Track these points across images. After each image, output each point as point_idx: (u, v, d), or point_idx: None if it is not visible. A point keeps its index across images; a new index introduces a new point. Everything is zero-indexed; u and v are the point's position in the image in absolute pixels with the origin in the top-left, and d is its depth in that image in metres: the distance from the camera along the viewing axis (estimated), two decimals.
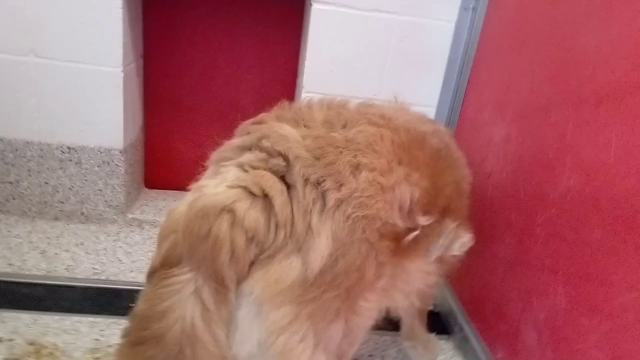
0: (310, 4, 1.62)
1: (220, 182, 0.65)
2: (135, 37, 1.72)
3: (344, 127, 0.72)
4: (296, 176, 0.65)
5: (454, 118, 1.71)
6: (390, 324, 1.35)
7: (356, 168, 0.67)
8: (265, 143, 0.68)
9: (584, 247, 0.95)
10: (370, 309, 0.72)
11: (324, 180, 0.65)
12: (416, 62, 1.72)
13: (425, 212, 0.75)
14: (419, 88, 1.76)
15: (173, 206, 0.67)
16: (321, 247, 0.62)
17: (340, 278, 0.64)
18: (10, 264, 1.50)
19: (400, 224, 0.70)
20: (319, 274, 0.62)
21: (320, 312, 0.64)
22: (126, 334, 0.65)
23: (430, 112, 1.77)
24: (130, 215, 1.82)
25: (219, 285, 0.61)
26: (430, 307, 1.63)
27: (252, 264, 0.63)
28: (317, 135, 0.69)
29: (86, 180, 1.74)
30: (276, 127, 0.70)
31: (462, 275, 1.49)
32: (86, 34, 1.56)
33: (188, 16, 1.83)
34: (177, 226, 0.63)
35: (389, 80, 1.74)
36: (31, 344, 1.22)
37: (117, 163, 1.73)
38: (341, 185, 0.65)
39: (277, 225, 0.63)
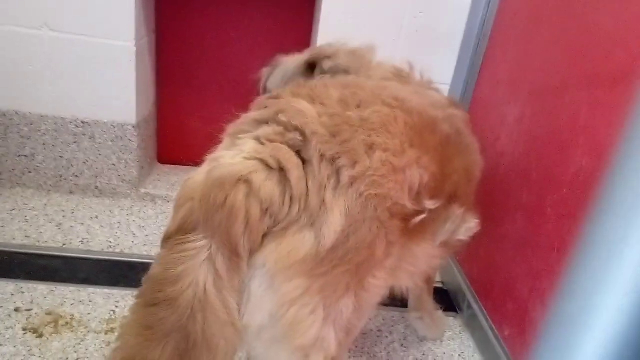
0: None
1: (237, 154, 0.66)
2: (147, 12, 1.72)
3: (359, 106, 0.72)
4: (312, 151, 0.65)
5: (467, 96, 1.69)
6: (397, 300, 1.37)
7: (370, 147, 0.67)
8: (282, 117, 0.69)
9: None
10: (378, 286, 0.73)
11: (339, 157, 0.65)
12: (430, 39, 1.69)
13: (432, 197, 0.76)
14: (433, 65, 1.71)
15: (190, 175, 0.68)
16: (334, 223, 0.63)
17: (351, 254, 0.65)
18: (27, 236, 1.54)
19: (409, 205, 0.71)
20: (331, 249, 0.63)
21: (331, 286, 0.66)
22: (140, 295, 0.67)
23: (444, 90, 1.75)
24: (143, 190, 1.85)
25: (232, 253, 0.62)
26: (439, 285, 1.64)
27: (265, 235, 0.64)
28: (332, 113, 0.69)
29: (100, 154, 1.76)
30: (293, 102, 0.71)
31: (472, 254, 1.50)
32: (99, 8, 1.56)
33: None
34: (194, 194, 0.64)
35: (403, 56, 1.71)
36: (49, 314, 1.26)
37: (130, 138, 1.75)
38: (355, 163, 0.66)
39: (291, 199, 0.63)
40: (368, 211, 0.66)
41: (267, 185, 0.62)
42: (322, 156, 0.65)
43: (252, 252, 0.64)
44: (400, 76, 1.05)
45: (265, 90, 1.25)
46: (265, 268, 0.64)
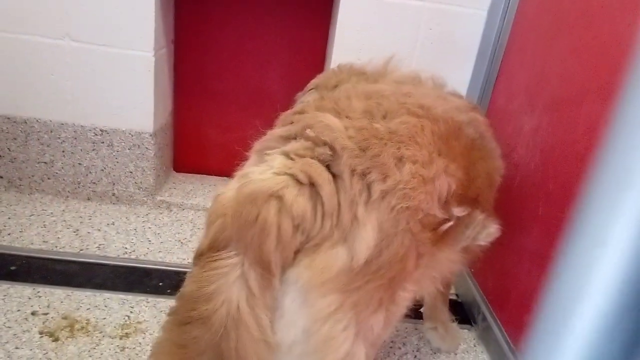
0: None
1: (266, 169, 0.66)
2: (167, 23, 1.75)
3: (384, 117, 0.72)
4: (343, 167, 0.65)
5: (483, 107, 1.69)
6: (411, 311, 1.36)
7: (400, 160, 0.67)
8: (310, 132, 0.68)
9: None
10: (407, 298, 0.73)
11: (369, 172, 0.65)
12: (446, 50, 1.70)
13: (459, 203, 0.75)
14: (449, 76, 1.72)
15: (220, 191, 0.68)
16: (367, 238, 0.63)
17: (385, 268, 0.65)
18: (45, 241, 1.56)
19: (439, 214, 0.71)
20: (364, 264, 0.63)
21: (364, 301, 0.65)
22: (173, 312, 0.67)
23: None
24: (159, 198, 1.87)
25: (265, 270, 0.62)
26: (454, 297, 1.63)
27: (297, 251, 0.64)
28: (360, 127, 0.69)
29: (117, 162, 1.78)
30: (320, 117, 0.71)
31: (487, 265, 1.49)
32: (120, 19, 1.59)
33: (218, 3, 1.85)
34: (225, 210, 0.64)
35: (417, 68, 1.72)
36: (64, 318, 1.27)
37: (147, 146, 1.77)
38: (386, 177, 0.66)
39: (323, 214, 0.63)
40: (400, 224, 0.66)
41: (299, 201, 0.62)
42: (353, 171, 0.65)
43: (284, 269, 0.64)
44: (416, 81, 1.04)
45: None
46: (299, 284, 0.63)
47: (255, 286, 0.62)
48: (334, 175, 0.65)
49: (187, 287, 0.65)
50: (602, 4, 1.09)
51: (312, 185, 0.64)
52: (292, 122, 0.72)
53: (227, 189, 0.67)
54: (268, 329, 0.63)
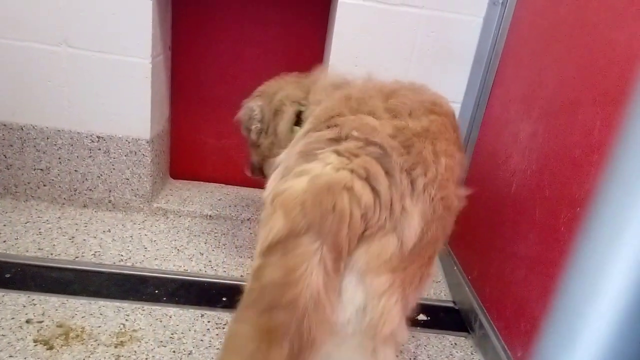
0: None
1: (326, 166, 0.72)
2: (164, 29, 1.75)
3: (411, 115, 0.81)
4: (394, 164, 0.73)
5: (479, 114, 1.69)
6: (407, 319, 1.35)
7: (436, 155, 0.77)
8: (357, 134, 0.75)
9: None
10: (433, 273, 0.84)
11: (414, 168, 0.74)
12: (442, 58, 1.71)
13: (461, 185, 0.85)
14: (445, 84, 1.74)
15: (283, 187, 0.72)
16: (415, 227, 0.72)
17: (424, 250, 0.75)
18: (40, 249, 1.55)
19: (457, 198, 0.81)
20: (411, 249, 0.73)
21: (409, 279, 0.74)
22: (251, 302, 0.69)
23: (456, 108, 1.76)
24: (155, 205, 1.86)
25: (337, 255, 0.68)
26: (451, 304, 1.62)
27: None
28: (399, 126, 0.78)
29: (114, 169, 1.78)
30: (364, 119, 0.78)
31: (484, 272, 1.49)
32: (117, 26, 1.60)
33: (216, 9, 1.85)
34: (301, 200, 0.69)
35: (414, 75, 1.73)
36: (59, 326, 1.26)
37: (144, 153, 1.77)
38: (427, 171, 0.75)
39: (380, 206, 0.70)
40: (436, 212, 0.75)
41: (365, 193, 0.70)
42: (401, 168, 0.73)
43: (349, 254, 0.71)
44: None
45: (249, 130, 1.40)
46: (357, 267, 0.71)
47: (330, 270, 0.67)
48: (385, 172, 0.73)
49: (270, 274, 0.68)
50: (597, 11, 1.10)
51: (368, 179, 0.71)
52: (336, 125, 0.78)
53: (295, 183, 0.71)
54: (335, 309, 0.70)
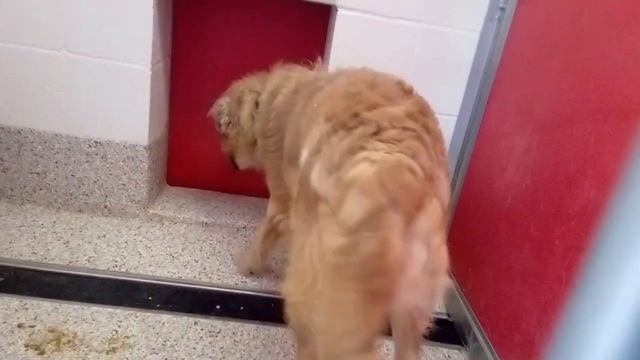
0: (336, 10, 1.64)
1: (380, 151, 0.82)
2: (164, 37, 1.77)
3: (400, 99, 0.94)
4: (426, 142, 0.86)
5: (475, 128, 1.71)
6: None
7: (440, 132, 0.95)
8: (393, 124, 0.86)
9: None
10: None
11: (435, 144, 0.89)
12: (438, 71, 1.72)
13: None
14: (441, 97, 1.76)
15: (349, 174, 0.81)
16: (446, 189, 0.88)
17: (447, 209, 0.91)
18: (34, 253, 1.55)
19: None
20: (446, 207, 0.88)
21: (445, 228, 0.90)
22: (352, 274, 0.77)
23: (452, 121, 1.77)
24: (151, 211, 1.86)
25: (409, 222, 0.80)
26: (445, 316, 1.62)
27: None
28: (407, 111, 0.89)
29: (111, 174, 1.78)
30: (385, 111, 0.89)
31: (478, 285, 1.49)
32: (117, 32, 1.61)
33: (216, 19, 1.87)
34: (377, 181, 0.78)
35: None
36: (51, 331, 1.26)
37: (141, 159, 1.77)
38: (440, 144, 0.92)
39: (427, 177, 0.83)
40: (446, 175, 0.91)
41: (418, 169, 0.82)
42: (432, 146, 0.87)
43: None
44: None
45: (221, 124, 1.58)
46: (421, 230, 0.82)
47: (406, 236, 0.79)
48: (424, 150, 0.86)
49: (367, 248, 0.76)
50: (592, 27, 1.12)
51: (416, 158, 0.83)
52: (368, 121, 0.87)
53: (358, 170, 0.81)
54: (411, 266, 0.83)
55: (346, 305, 0.79)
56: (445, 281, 0.93)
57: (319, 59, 1.47)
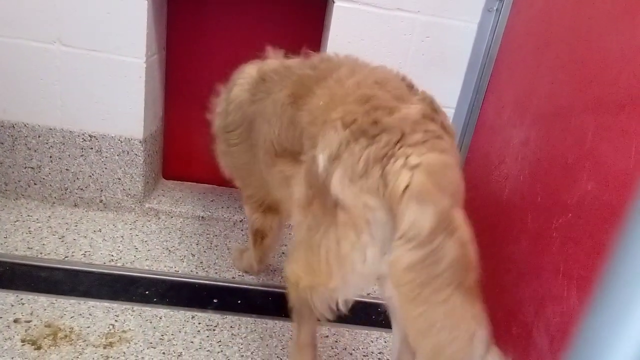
0: (333, 1, 1.63)
1: (415, 155, 0.82)
2: (159, 30, 1.75)
3: (410, 96, 0.97)
4: (447, 138, 0.89)
5: (472, 120, 1.70)
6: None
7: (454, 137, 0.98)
8: (415, 127, 0.87)
9: (600, 252, 0.94)
10: None
11: (454, 142, 0.93)
12: (436, 63, 1.71)
13: None
14: (439, 88, 1.73)
15: (400, 184, 0.81)
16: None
17: None
18: (29, 248, 1.54)
19: None
20: None
21: None
22: (446, 281, 0.78)
23: (449, 113, 1.77)
24: (147, 205, 1.85)
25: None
26: None
27: None
28: (424, 113, 0.90)
29: (106, 168, 1.77)
30: (405, 117, 0.89)
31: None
32: (112, 25, 1.59)
33: (211, 11, 1.85)
34: (432, 185, 0.80)
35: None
36: (48, 326, 1.25)
37: (136, 153, 1.76)
38: (455, 146, 0.94)
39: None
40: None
41: (454, 163, 0.88)
42: (451, 144, 0.90)
43: None
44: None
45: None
46: None
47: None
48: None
49: (450, 253, 0.78)
50: (590, 19, 1.11)
51: (447, 153, 0.86)
52: (390, 128, 0.86)
53: (404, 178, 0.81)
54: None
55: (455, 314, 0.78)
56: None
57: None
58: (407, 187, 0.80)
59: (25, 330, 1.22)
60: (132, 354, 1.21)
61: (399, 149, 0.84)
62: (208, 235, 1.79)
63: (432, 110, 0.92)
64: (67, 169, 1.76)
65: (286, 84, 1.16)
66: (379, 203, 0.83)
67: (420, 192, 0.79)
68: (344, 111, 0.92)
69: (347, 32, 1.66)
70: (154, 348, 1.24)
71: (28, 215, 1.71)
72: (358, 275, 0.90)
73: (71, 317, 1.29)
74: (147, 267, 1.56)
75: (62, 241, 1.60)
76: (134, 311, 1.35)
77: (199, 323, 1.36)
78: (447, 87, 1.74)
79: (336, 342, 1.39)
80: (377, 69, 1.11)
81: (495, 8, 1.60)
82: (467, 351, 0.79)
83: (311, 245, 0.95)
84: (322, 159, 0.91)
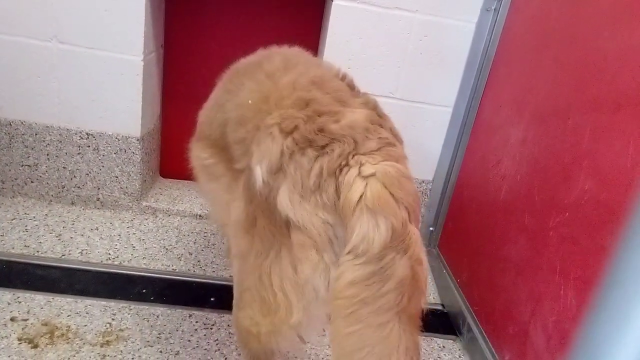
0: (331, 0, 1.63)
1: (369, 165, 0.76)
2: (156, 27, 1.74)
3: (351, 99, 0.90)
4: (398, 146, 0.84)
5: (470, 119, 1.70)
6: None
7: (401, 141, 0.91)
8: (366, 135, 0.81)
9: (597, 252, 0.95)
10: None
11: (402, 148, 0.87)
12: (434, 62, 1.71)
13: None
14: (436, 88, 1.75)
15: (353, 195, 0.74)
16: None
17: None
18: (26, 246, 1.53)
19: None
20: None
21: None
22: (392, 303, 0.72)
23: (447, 112, 1.77)
24: (144, 203, 1.85)
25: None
26: (439, 307, 1.63)
27: None
28: (368, 116, 0.84)
29: (103, 166, 1.76)
30: (353, 125, 0.83)
31: (473, 276, 1.49)
32: (109, 22, 1.58)
33: (209, 9, 1.85)
34: (387, 197, 0.73)
35: (406, 78, 1.74)
36: (45, 324, 1.25)
37: (133, 151, 1.75)
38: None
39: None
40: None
41: (410, 174, 0.81)
42: (402, 149, 0.85)
43: None
44: None
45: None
46: None
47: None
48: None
49: (400, 271, 0.72)
50: (589, 18, 1.11)
51: (400, 162, 0.80)
52: (339, 138, 0.79)
53: (357, 189, 0.74)
54: None
55: (388, 342, 0.72)
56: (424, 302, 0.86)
57: None
58: (360, 197, 0.73)
59: (22, 329, 1.22)
60: (129, 353, 1.21)
61: (352, 157, 0.77)
62: (205, 234, 1.79)
63: (378, 116, 0.86)
64: (64, 167, 1.75)
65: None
66: (337, 220, 0.76)
67: (375, 203, 0.72)
68: (281, 116, 0.82)
69: (345, 31, 1.66)
70: (151, 346, 1.24)
71: (25, 213, 1.70)
72: (323, 304, 0.80)
73: (68, 316, 1.29)
74: (144, 266, 1.55)
75: (59, 239, 1.60)
76: (131, 310, 1.35)
77: (197, 321, 1.36)
78: (445, 86, 1.74)
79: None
80: (312, 64, 1.03)
81: (493, 7, 1.60)
82: None
83: (261, 276, 0.83)
84: (259, 172, 0.81)
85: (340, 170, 0.76)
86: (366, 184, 0.73)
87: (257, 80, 0.95)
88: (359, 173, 0.75)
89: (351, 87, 0.95)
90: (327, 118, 0.80)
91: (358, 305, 0.70)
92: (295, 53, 1.10)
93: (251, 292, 0.86)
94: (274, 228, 0.80)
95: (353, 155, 0.77)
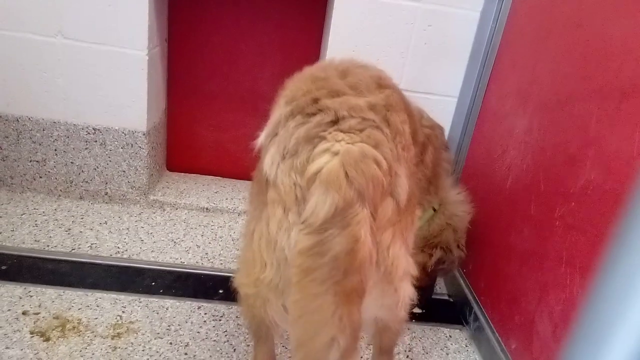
0: None
1: (342, 142, 0.77)
2: (160, 21, 1.75)
3: (368, 91, 0.88)
4: (386, 136, 0.81)
5: (475, 108, 1.70)
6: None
7: (402, 123, 0.87)
8: (352, 113, 0.81)
9: (603, 241, 0.95)
10: (418, 216, 1.00)
11: (395, 138, 0.83)
12: (439, 51, 1.71)
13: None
14: (441, 77, 1.75)
15: (313, 166, 0.76)
16: (405, 186, 0.82)
17: (410, 201, 0.85)
18: (36, 241, 1.55)
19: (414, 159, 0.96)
20: (404, 204, 0.83)
21: (405, 227, 0.86)
22: (324, 276, 0.74)
23: (452, 102, 1.76)
24: (152, 197, 1.86)
25: (374, 216, 0.77)
26: (445, 297, 1.64)
27: None
28: (371, 102, 0.84)
29: (110, 161, 1.78)
30: (347, 100, 0.84)
31: (479, 265, 1.50)
32: (113, 17, 1.59)
33: (213, 2, 1.85)
34: (342, 174, 0.74)
35: (411, 69, 1.73)
36: (56, 317, 1.27)
37: (140, 145, 1.77)
38: (402, 139, 0.85)
39: (388, 171, 0.79)
40: (411, 171, 0.86)
41: (382, 160, 0.78)
42: (393, 138, 0.82)
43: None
44: None
45: None
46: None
47: (373, 230, 0.77)
48: (386, 142, 0.82)
49: (337, 246, 0.73)
50: (593, 7, 1.10)
51: (378, 149, 0.78)
52: (326, 109, 0.81)
53: (321, 162, 0.76)
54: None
55: (322, 312, 0.75)
56: (405, 290, 0.88)
57: None
58: (319, 170, 0.76)
59: (34, 322, 1.24)
60: (140, 345, 1.23)
61: (331, 132, 0.79)
62: (212, 227, 1.81)
63: (385, 105, 0.85)
64: (71, 162, 1.77)
65: None
66: (305, 184, 0.79)
67: (327, 179, 0.74)
68: (290, 89, 0.88)
69: (348, 22, 1.65)
70: (161, 338, 1.26)
71: (34, 208, 1.72)
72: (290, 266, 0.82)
73: (79, 309, 1.31)
74: (152, 259, 1.57)
75: (69, 234, 1.62)
76: (140, 302, 1.37)
77: (205, 313, 1.38)
78: (450, 76, 1.73)
79: None
80: (357, 63, 1.04)
81: None
82: (324, 354, 0.75)
83: (247, 236, 0.88)
84: (261, 136, 0.87)
85: (320, 139, 0.79)
86: (328, 160, 0.76)
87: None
88: (329, 148, 0.77)
89: (382, 85, 0.92)
90: (326, 92, 0.83)
91: (302, 274, 0.74)
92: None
93: (242, 254, 0.91)
94: (261, 188, 0.85)
95: (334, 130, 0.79)
